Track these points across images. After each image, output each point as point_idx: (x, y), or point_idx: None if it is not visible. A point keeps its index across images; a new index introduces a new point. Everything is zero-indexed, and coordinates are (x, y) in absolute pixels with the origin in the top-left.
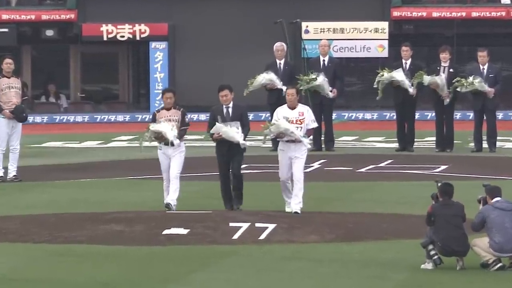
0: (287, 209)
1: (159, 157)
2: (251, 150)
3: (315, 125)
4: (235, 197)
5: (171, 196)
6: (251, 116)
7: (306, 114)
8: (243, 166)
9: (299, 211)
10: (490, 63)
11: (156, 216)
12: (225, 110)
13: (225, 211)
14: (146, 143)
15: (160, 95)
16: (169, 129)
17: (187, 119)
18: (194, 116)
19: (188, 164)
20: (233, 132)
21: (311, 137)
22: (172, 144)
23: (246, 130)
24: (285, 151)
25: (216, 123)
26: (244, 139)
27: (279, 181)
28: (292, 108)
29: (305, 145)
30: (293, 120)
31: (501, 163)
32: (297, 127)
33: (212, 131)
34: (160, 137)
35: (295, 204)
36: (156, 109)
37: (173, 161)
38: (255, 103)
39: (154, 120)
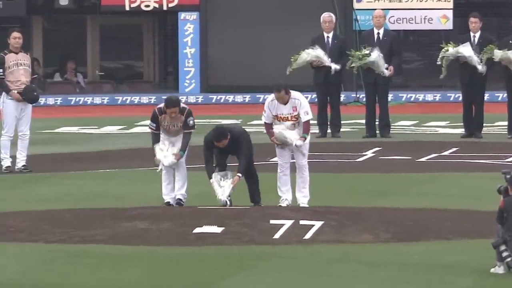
0: (283, 204)
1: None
2: None
3: (309, 117)
4: (252, 196)
5: (180, 189)
6: None
7: (299, 108)
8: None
9: (307, 205)
10: None
11: (186, 212)
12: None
13: (265, 207)
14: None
15: (164, 107)
16: (162, 155)
17: (191, 122)
18: (230, 98)
19: None
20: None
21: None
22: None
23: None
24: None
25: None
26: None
27: (325, 172)
28: (285, 103)
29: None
30: (287, 117)
31: None
32: (293, 124)
33: None
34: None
35: (302, 197)
36: (158, 107)
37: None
38: (299, 82)
39: (157, 123)
